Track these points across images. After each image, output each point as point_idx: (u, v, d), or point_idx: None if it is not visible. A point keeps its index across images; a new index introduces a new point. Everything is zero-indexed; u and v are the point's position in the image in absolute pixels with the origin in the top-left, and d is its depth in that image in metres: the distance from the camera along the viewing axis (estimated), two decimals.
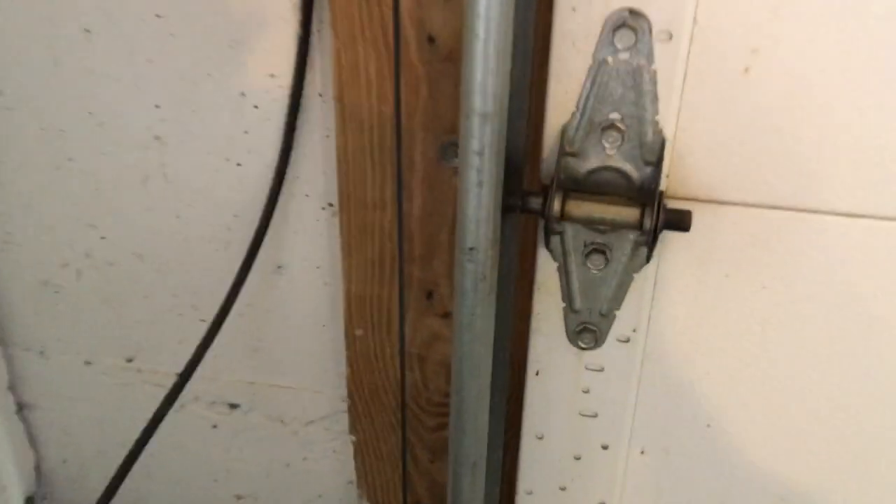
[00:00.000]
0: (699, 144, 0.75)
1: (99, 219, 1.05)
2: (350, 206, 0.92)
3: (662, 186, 0.77)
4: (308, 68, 0.90)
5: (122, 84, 0.95)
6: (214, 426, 1.18)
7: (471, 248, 0.74)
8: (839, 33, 0.69)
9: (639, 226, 0.74)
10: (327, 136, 0.94)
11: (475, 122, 0.68)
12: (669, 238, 0.80)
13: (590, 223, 0.77)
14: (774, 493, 0.91)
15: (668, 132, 0.75)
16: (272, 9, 0.88)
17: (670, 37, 0.71)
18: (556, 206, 0.75)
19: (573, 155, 0.77)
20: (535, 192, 0.77)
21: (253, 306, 1.07)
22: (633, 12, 0.71)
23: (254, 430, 1.18)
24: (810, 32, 0.69)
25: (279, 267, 1.04)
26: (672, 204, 0.78)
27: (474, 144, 0.69)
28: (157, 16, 0.90)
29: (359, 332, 0.99)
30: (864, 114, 0.71)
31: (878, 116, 0.71)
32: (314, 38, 0.89)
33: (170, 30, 0.91)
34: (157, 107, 0.95)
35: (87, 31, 0.92)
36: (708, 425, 0.89)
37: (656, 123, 0.75)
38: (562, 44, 0.73)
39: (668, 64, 0.72)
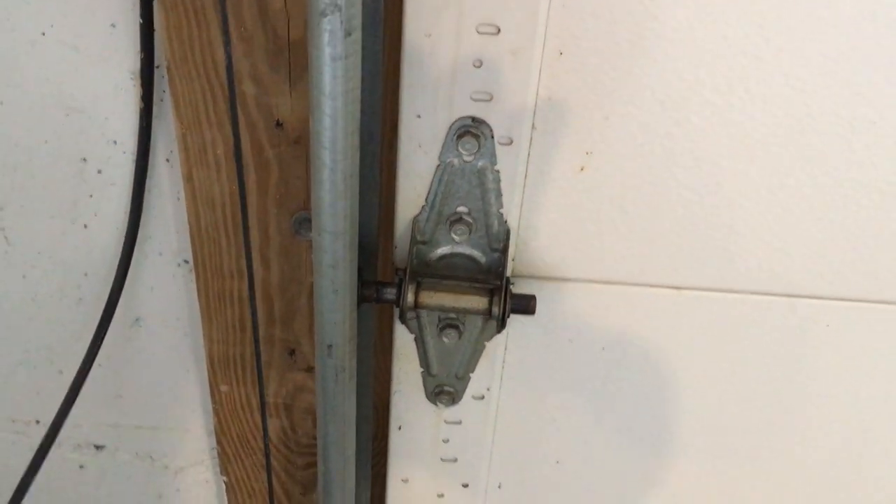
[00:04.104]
0: (541, 232, 0.80)
1: None
2: (206, 274, 0.92)
3: (508, 272, 0.81)
4: (152, 135, 0.88)
5: None
6: (81, 466, 1.18)
7: (329, 346, 0.76)
8: (665, 138, 0.74)
9: (488, 313, 0.79)
10: (178, 199, 0.93)
11: (327, 239, 0.70)
12: None
13: (442, 311, 0.80)
14: None
15: (513, 223, 0.79)
16: (110, 79, 0.85)
17: (511, 141, 0.74)
18: (410, 297, 0.78)
19: (424, 243, 0.80)
20: (389, 283, 0.79)
21: (112, 357, 1.06)
22: (476, 120, 0.73)
23: (123, 468, 1.18)
24: (639, 137, 0.74)
25: (137, 320, 1.03)
26: (519, 282, 0.82)
27: (327, 259, 0.71)
28: None
29: (224, 388, 1.00)
30: (687, 205, 0.77)
31: (702, 206, 0.78)
32: (156, 108, 0.87)
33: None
34: None
35: None
36: (557, 462, 0.96)
37: (501, 216, 0.78)
38: (408, 145, 0.75)
39: (509, 165, 0.75)
